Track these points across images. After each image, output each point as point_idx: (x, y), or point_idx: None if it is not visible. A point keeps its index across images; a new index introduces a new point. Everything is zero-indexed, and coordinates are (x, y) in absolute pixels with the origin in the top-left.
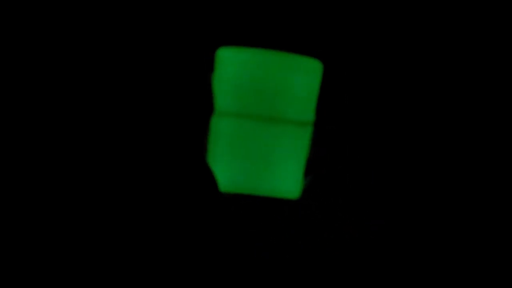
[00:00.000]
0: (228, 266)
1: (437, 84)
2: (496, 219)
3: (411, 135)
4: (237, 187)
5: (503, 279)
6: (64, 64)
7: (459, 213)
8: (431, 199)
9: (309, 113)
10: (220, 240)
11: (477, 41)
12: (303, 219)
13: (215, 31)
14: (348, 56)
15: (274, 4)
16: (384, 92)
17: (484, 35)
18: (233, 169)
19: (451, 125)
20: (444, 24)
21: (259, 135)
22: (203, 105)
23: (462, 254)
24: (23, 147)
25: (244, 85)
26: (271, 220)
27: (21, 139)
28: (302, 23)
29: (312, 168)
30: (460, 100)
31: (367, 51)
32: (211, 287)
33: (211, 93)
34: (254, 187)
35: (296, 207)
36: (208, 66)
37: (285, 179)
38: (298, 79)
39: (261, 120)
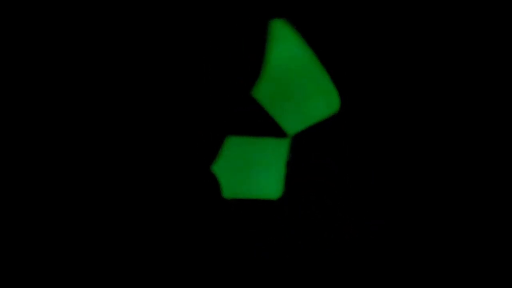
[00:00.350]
0: (227, 267)
1: (437, 83)
2: (496, 219)
3: (411, 134)
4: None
5: (503, 279)
6: (68, 63)
7: (460, 212)
8: (431, 199)
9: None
10: (221, 241)
11: (477, 41)
12: (303, 219)
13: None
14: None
15: None
16: (384, 92)
17: (484, 35)
18: (230, 180)
19: (451, 125)
20: (442, 23)
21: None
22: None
23: (462, 254)
24: (23, 147)
25: None
26: (271, 220)
27: (21, 139)
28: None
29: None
30: (459, 99)
31: (363, 51)
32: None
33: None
34: (240, 193)
35: (295, 207)
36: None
37: (266, 183)
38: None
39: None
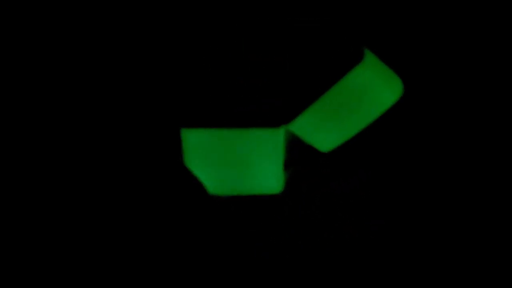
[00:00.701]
0: (226, 267)
1: (436, 83)
2: (496, 218)
3: (410, 132)
4: (217, 191)
5: (503, 279)
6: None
7: (460, 212)
8: (431, 199)
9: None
10: (218, 241)
11: (477, 41)
12: (303, 219)
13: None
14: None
15: None
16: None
17: (483, 35)
18: (210, 176)
19: (451, 124)
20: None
21: (231, 143)
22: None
23: (462, 254)
24: (23, 147)
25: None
26: (271, 220)
27: (21, 139)
28: None
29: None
30: (459, 98)
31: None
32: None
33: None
34: (234, 190)
35: (295, 207)
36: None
37: (265, 176)
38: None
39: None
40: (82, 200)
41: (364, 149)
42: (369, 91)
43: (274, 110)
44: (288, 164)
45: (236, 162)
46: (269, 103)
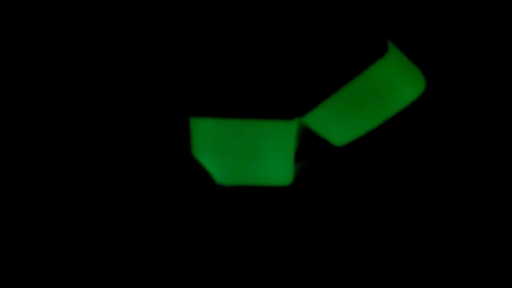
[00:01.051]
0: (226, 265)
1: (435, 82)
2: (496, 217)
3: (410, 128)
4: (224, 181)
5: (503, 278)
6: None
7: (460, 209)
8: (431, 195)
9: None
10: (219, 236)
11: (476, 41)
12: (303, 217)
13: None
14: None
15: None
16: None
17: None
18: (218, 166)
19: (451, 121)
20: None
21: (242, 133)
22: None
23: (462, 251)
24: (23, 147)
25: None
26: (270, 219)
27: (21, 139)
28: None
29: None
30: (459, 97)
31: None
32: (210, 284)
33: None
34: (243, 179)
35: (295, 205)
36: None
37: (275, 168)
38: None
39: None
40: (89, 192)
41: (363, 145)
42: (391, 86)
43: (274, 110)
44: (300, 157)
45: (246, 153)
46: (269, 103)
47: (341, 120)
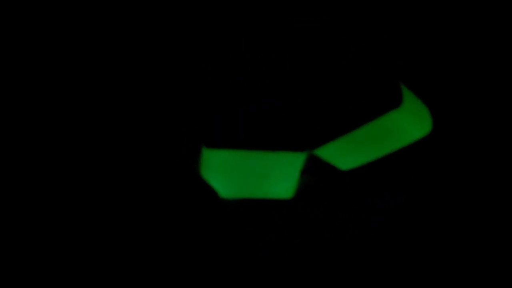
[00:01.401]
0: (225, 266)
1: (435, 81)
2: (496, 217)
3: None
4: (228, 196)
5: (503, 278)
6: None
7: (460, 209)
8: (431, 196)
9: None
10: (219, 241)
11: (476, 40)
12: (302, 218)
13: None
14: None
15: None
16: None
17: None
18: (224, 184)
19: (450, 121)
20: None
21: (253, 163)
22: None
23: (462, 251)
24: (23, 147)
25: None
26: (270, 219)
27: (21, 139)
28: None
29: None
30: (459, 96)
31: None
32: (210, 284)
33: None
34: (247, 194)
35: (294, 205)
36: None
37: (280, 187)
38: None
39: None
40: (93, 201)
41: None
42: (401, 130)
43: (274, 110)
44: (304, 173)
45: (253, 178)
46: (269, 103)
47: (349, 154)
